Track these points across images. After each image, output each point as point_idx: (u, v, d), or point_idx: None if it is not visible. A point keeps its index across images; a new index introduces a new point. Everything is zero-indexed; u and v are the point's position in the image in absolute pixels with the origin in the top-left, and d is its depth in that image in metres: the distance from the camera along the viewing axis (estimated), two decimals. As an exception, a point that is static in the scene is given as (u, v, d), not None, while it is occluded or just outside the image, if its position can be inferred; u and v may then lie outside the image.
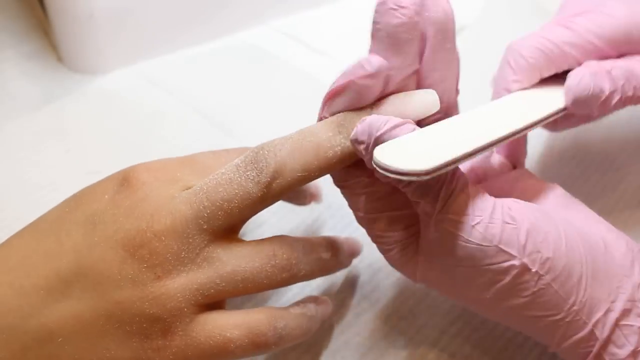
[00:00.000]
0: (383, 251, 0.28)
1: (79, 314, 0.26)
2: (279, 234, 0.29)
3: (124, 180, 0.27)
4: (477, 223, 0.25)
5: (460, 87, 0.48)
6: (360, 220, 0.28)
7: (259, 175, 0.26)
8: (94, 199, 0.28)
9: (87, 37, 0.43)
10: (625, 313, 0.26)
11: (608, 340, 0.26)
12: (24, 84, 0.44)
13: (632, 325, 0.26)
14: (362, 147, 0.25)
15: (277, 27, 0.49)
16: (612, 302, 0.26)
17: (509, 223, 0.25)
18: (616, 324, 0.26)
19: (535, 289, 0.25)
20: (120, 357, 0.26)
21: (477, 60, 0.48)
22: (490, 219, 0.25)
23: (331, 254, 0.30)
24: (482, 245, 0.25)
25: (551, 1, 0.53)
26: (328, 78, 0.45)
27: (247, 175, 0.26)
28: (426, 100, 0.27)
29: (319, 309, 0.30)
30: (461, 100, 0.45)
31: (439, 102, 0.27)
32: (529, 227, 0.26)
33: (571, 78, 0.30)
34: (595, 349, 0.26)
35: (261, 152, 0.27)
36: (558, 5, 0.52)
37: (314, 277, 0.29)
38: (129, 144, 0.40)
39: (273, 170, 0.26)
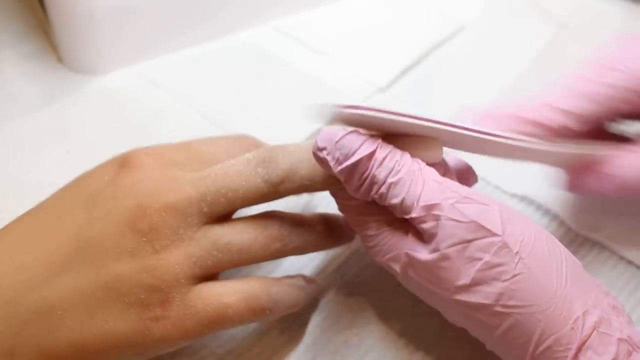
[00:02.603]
0: (373, 254, 0.29)
1: (78, 287, 0.26)
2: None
3: (124, 162, 0.29)
4: (455, 202, 0.26)
5: (459, 86, 0.48)
6: (352, 224, 0.29)
7: (268, 174, 0.28)
8: (94, 180, 0.29)
9: (87, 37, 0.43)
10: (604, 322, 0.26)
11: (586, 345, 0.25)
12: (24, 84, 0.44)
13: (611, 335, 0.26)
14: (324, 152, 0.27)
15: (277, 27, 0.49)
16: (591, 308, 0.26)
17: (486, 204, 0.26)
18: (595, 329, 0.25)
19: (515, 272, 0.25)
20: (118, 328, 0.26)
21: (477, 60, 0.48)
22: (468, 199, 0.26)
23: (324, 228, 0.31)
24: (461, 221, 0.26)
25: (551, 1, 0.53)
26: (328, 78, 0.45)
27: (257, 171, 0.28)
28: (431, 147, 0.29)
29: (308, 284, 0.31)
30: (462, 97, 0.45)
31: (442, 151, 0.29)
32: (508, 214, 0.26)
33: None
34: (573, 351, 0.25)
35: (274, 152, 0.28)
36: (558, 6, 0.52)
37: (307, 250, 0.31)
38: (129, 144, 0.40)
39: (283, 174, 0.28)
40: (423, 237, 0.27)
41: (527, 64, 0.48)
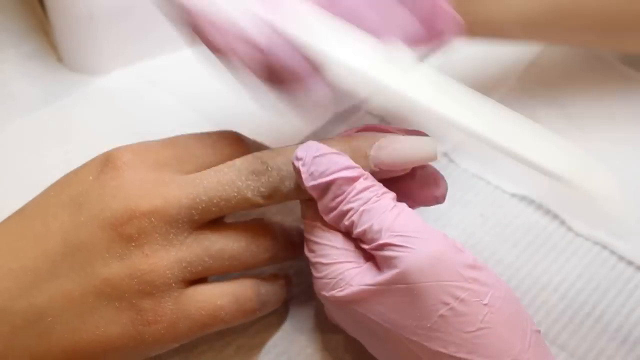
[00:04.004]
0: (319, 286, 0.27)
1: (67, 293, 0.26)
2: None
3: (107, 161, 0.28)
4: (429, 237, 0.25)
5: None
6: (309, 248, 0.28)
7: (259, 187, 0.28)
8: (78, 181, 0.28)
9: (87, 37, 0.43)
10: None
11: None
12: (24, 84, 0.44)
13: None
14: (300, 163, 0.27)
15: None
16: None
17: (461, 250, 0.25)
18: None
19: (481, 325, 0.24)
20: (110, 333, 0.26)
21: (476, 59, 0.48)
22: (444, 239, 0.25)
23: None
24: (433, 257, 0.24)
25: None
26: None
27: (248, 183, 0.28)
28: (425, 149, 0.28)
29: (286, 282, 0.31)
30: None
31: (437, 150, 0.28)
32: (481, 266, 0.25)
33: None
34: None
35: (263, 165, 0.28)
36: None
37: (290, 257, 0.31)
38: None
39: (272, 189, 0.28)
40: (382, 269, 0.25)
41: (526, 65, 0.48)
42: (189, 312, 0.27)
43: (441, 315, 0.24)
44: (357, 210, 0.26)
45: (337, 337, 0.32)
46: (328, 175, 0.26)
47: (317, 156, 0.26)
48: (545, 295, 0.34)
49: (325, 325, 0.32)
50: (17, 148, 0.40)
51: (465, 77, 0.46)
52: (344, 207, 0.26)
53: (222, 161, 0.29)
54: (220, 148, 0.30)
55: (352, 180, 0.26)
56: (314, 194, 0.27)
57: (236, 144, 0.31)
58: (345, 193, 0.26)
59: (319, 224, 0.27)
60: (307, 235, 0.28)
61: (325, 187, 0.26)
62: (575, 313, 0.34)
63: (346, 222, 0.26)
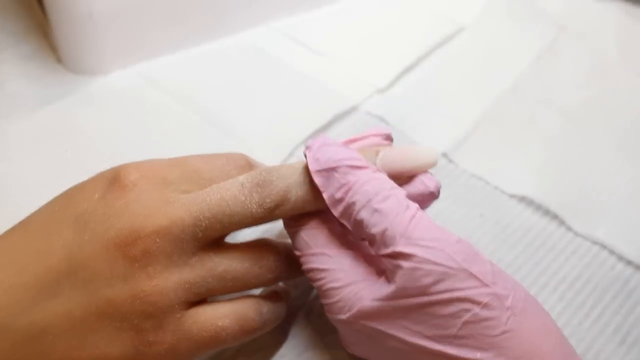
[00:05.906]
0: (335, 311, 0.27)
1: (69, 312, 0.26)
2: (261, 236, 0.30)
3: (115, 179, 0.28)
4: (445, 246, 0.25)
5: (458, 88, 0.48)
6: (316, 275, 0.28)
7: (264, 200, 0.27)
8: (84, 197, 0.28)
9: (87, 37, 0.43)
10: None
11: None
12: (23, 85, 0.44)
13: None
14: (307, 151, 0.27)
15: (277, 28, 0.49)
16: None
17: (477, 253, 0.25)
18: None
19: (506, 328, 0.24)
20: (110, 353, 0.26)
21: (476, 61, 0.48)
22: (459, 244, 0.25)
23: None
24: (451, 267, 0.24)
25: (550, 2, 0.53)
26: (327, 79, 0.45)
27: (252, 197, 0.27)
28: (427, 156, 0.29)
29: (287, 298, 0.31)
30: (462, 98, 0.45)
31: (437, 158, 0.29)
32: (498, 269, 0.25)
33: None
34: None
35: (268, 177, 0.28)
36: (556, 8, 0.53)
37: (293, 277, 0.31)
38: (129, 145, 0.40)
39: (278, 199, 0.27)
40: (395, 278, 0.25)
41: (526, 66, 0.48)
42: (190, 333, 0.26)
43: (466, 322, 0.24)
44: (365, 205, 0.26)
45: (342, 352, 0.32)
46: (333, 161, 0.26)
47: (324, 145, 0.27)
48: (544, 296, 0.34)
49: (329, 342, 0.32)
50: (17, 148, 0.40)
51: (465, 77, 0.47)
52: (350, 199, 0.26)
53: None
54: (228, 170, 0.30)
55: (357, 168, 0.26)
56: (319, 183, 0.27)
57: (244, 166, 0.31)
58: (351, 183, 0.26)
59: (322, 251, 0.27)
60: (310, 266, 0.28)
61: (330, 172, 0.26)
62: (573, 313, 0.34)
63: (357, 217, 0.26)
